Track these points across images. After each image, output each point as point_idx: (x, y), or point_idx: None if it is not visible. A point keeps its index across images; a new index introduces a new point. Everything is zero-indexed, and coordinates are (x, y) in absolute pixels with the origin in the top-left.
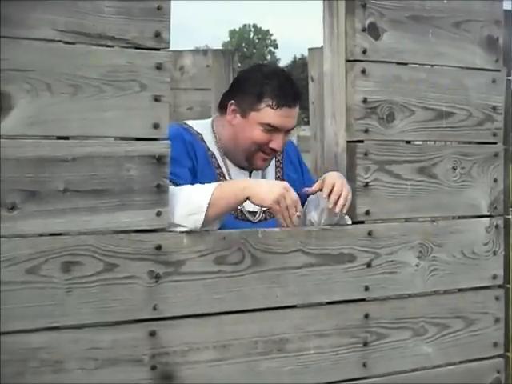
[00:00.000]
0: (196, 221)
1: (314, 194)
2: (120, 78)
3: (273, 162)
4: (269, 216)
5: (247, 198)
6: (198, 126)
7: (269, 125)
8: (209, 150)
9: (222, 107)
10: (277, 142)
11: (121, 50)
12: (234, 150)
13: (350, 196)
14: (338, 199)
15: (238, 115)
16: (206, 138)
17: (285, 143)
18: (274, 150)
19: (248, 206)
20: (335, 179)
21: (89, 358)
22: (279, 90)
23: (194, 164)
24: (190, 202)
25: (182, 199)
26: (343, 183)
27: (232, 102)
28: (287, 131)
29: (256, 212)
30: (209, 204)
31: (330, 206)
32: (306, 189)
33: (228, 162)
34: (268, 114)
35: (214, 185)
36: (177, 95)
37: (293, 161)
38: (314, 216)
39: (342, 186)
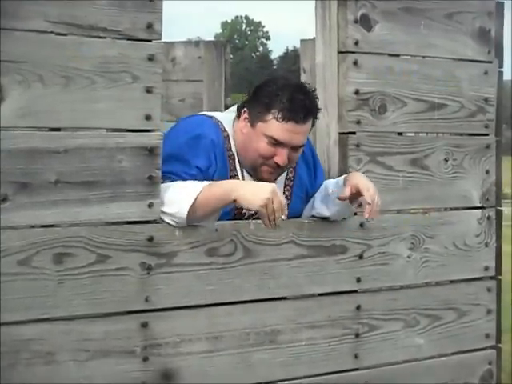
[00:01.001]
0: (180, 219)
1: (346, 199)
2: (112, 69)
3: None
4: None
5: (234, 201)
6: (225, 121)
7: (273, 138)
8: (230, 149)
9: (239, 112)
10: (281, 158)
11: (113, 42)
12: (243, 158)
13: (379, 200)
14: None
15: (248, 124)
16: (230, 136)
17: (293, 160)
18: (278, 165)
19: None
20: (368, 184)
21: (80, 350)
22: (288, 103)
23: (212, 163)
24: (174, 201)
25: (168, 196)
26: (374, 187)
27: (245, 109)
28: (294, 147)
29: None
30: (194, 203)
31: (366, 216)
32: (337, 196)
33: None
34: (273, 126)
35: (202, 184)
36: (169, 87)
37: (307, 160)
38: (322, 210)
39: (375, 191)
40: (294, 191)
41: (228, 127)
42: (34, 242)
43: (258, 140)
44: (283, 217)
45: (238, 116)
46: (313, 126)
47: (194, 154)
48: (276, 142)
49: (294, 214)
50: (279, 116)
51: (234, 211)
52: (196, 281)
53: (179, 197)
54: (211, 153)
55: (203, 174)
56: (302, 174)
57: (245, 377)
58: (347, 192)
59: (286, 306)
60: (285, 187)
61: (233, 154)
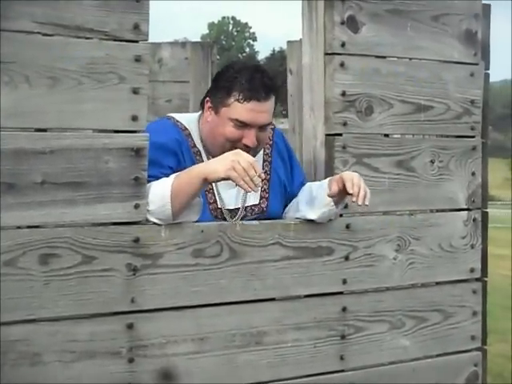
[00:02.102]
0: (164, 215)
1: (335, 195)
2: (98, 70)
3: (261, 156)
4: (250, 213)
5: (205, 180)
6: (185, 120)
7: (237, 120)
8: (194, 146)
9: (202, 104)
10: (249, 139)
11: (99, 42)
12: (212, 147)
13: (367, 189)
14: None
15: (213, 112)
16: (192, 134)
17: (261, 140)
18: (247, 147)
19: (229, 204)
20: (352, 174)
21: (66, 351)
22: (247, 84)
23: (181, 160)
24: (154, 198)
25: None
26: (360, 177)
27: (207, 99)
28: (261, 127)
29: (237, 209)
30: (171, 198)
31: (354, 200)
32: (328, 193)
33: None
34: (236, 108)
35: (172, 176)
36: (155, 87)
37: (282, 154)
38: (308, 213)
39: (360, 180)
40: (271, 185)
41: (189, 125)
42: (20, 242)
43: (224, 125)
44: (261, 175)
45: (203, 110)
46: (276, 104)
47: (163, 155)
48: (242, 124)
49: (274, 207)
50: (240, 97)
51: (209, 206)
52: (182, 282)
53: (157, 192)
54: (178, 151)
55: (175, 171)
56: (278, 169)
57: (231, 378)
58: (334, 187)
59: (272, 308)
60: (262, 181)
61: (198, 150)
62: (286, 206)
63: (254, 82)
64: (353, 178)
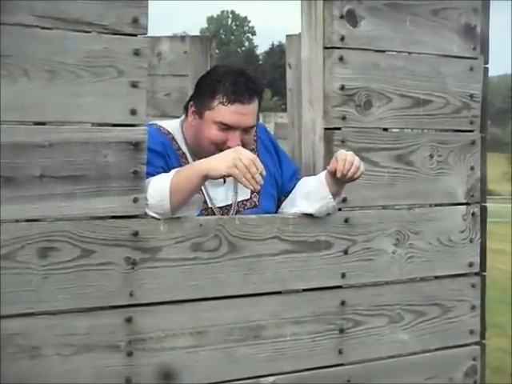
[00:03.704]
0: (163, 209)
1: (333, 171)
2: (97, 63)
3: None
4: (242, 208)
5: (206, 177)
6: (168, 126)
7: (221, 123)
8: (179, 149)
9: (186, 109)
10: (234, 141)
11: (98, 36)
12: (198, 151)
13: (362, 167)
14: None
15: (197, 116)
16: (176, 138)
17: (247, 142)
18: None
19: (219, 202)
20: (345, 154)
21: (65, 344)
22: (231, 87)
23: (168, 162)
24: (154, 193)
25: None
26: (353, 154)
27: (191, 103)
28: (245, 129)
29: (228, 206)
30: (170, 193)
31: (339, 175)
32: (327, 169)
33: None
34: (220, 111)
35: (172, 172)
36: (154, 81)
37: (267, 147)
38: (305, 207)
39: (353, 157)
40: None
41: (172, 130)
42: (18, 236)
43: (209, 128)
44: (259, 170)
45: (186, 115)
46: (259, 107)
47: (152, 157)
48: (226, 127)
49: (266, 200)
50: (224, 100)
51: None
52: (180, 276)
53: (156, 187)
54: (165, 153)
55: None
56: (265, 160)
57: (229, 372)
58: (332, 165)
59: (271, 302)
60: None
61: (183, 153)
62: (279, 199)
63: (238, 85)
64: (346, 158)
